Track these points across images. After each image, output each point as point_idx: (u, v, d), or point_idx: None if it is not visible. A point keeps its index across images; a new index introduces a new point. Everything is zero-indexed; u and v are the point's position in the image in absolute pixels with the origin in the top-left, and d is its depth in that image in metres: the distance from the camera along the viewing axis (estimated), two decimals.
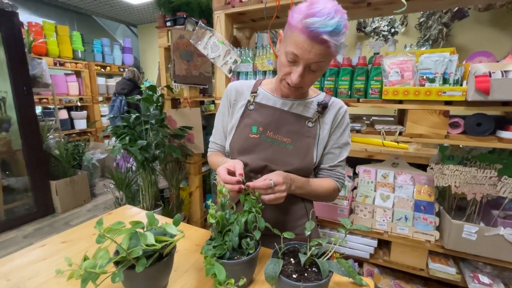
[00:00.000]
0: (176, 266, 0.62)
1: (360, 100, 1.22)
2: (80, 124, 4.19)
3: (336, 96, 1.28)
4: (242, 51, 1.52)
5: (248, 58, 1.50)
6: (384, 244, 1.40)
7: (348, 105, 1.24)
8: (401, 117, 1.37)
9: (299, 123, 0.76)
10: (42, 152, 2.82)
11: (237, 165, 0.65)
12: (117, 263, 0.48)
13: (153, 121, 2.19)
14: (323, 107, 0.76)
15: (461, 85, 1.06)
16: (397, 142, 1.65)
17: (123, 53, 4.84)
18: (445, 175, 1.14)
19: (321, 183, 0.76)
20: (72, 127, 4.17)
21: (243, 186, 0.60)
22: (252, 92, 0.81)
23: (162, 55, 2.41)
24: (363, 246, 1.34)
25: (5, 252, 2.26)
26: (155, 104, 2.18)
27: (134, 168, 2.29)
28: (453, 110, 1.08)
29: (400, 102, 1.15)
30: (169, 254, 0.52)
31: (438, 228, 1.22)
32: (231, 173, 0.64)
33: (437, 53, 1.07)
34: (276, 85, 0.79)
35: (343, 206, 1.41)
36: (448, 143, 1.15)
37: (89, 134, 4.36)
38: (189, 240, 0.74)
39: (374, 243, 1.32)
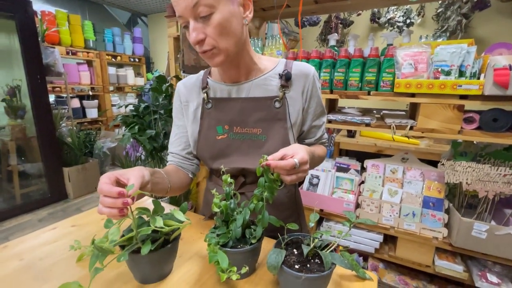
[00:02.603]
0: (181, 253, 0.63)
1: (371, 92, 1.19)
2: (92, 113, 4.27)
3: (346, 89, 1.25)
4: (252, 42, 1.50)
5: (257, 48, 1.47)
6: (390, 240, 1.38)
7: (358, 98, 1.21)
8: (412, 112, 1.33)
9: (264, 106, 0.68)
10: (55, 140, 2.89)
11: (133, 174, 0.49)
12: (123, 247, 0.49)
13: (162, 111, 2.21)
14: (286, 78, 0.67)
15: (478, 78, 1.01)
16: (408, 137, 1.62)
17: (134, 43, 4.86)
18: (456, 171, 1.11)
19: (318, 153, 0.72)
20: (84, 115, 4.26)
21: (128, 203, 0.44)
22: (202, 88, 0.73)
23: (172, 45, 2.40)
24: (368, 241, 1.34)
25: (21, 234, 2.36)
26: (164, 94, 2.20)
27: (143, 157, 2.33)
28: (468, 104, 1.04)
29: (413, 95, 1.12)
30: (174, 240, 0.53)
31: (446, 225, 1.20)
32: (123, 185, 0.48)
33: (454, 44, 1.02)
34: (219, 69, 0.71)
35: (349, 200, 1.40)
36: (462, 139, 1.12)
37: (100, 123, 4.44)
38: (194, 228, 0.75)
39: (380, 238, 1.31)
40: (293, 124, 0.71)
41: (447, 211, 1.22)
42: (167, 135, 2.20)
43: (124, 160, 2.30)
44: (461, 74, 1.03)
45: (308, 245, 0.51)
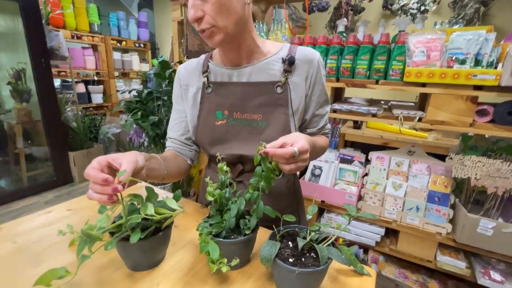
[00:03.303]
0: (175, 241, 0.62)
1: (380, 81, 1.14)
2: (97, 98, 4.28)
3: (353, 77, 1.20)
4: (256, 26, 1.44)
5: (262, 33, 1.42)
6: (391, 233, 1.36)
7: (365, 87, 1.16)
8: (422, 103, 1.28)
9: (266, 92, 0.66)
10: (60, 124, 2.91)
11: (126, 159, 0.47)
12: (112, 234, 0.48)
13: (165, 98, 2.19)
14: (289, 63, 0.64)
15: (496, 68, 0.95)
16: (416, 129, 1.56)
17: (139, 28, 4.79)
18: (465, 166, 1.07)
19: (320, 143, 0.69)
20: (89, 101, 4.27)
21: (118, 190, 0.42)
22: (203, 72, 0.71)
23: (176, 29, 2.35)
24: (369, 234, 1.32)
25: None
26: (167, 80, 2.16)
27: (146, 143, 2.33)
28: (483, 96, 0.99)
29: (423, 85, 1.06)
30: (166, 228, 0.52)
31: (451, 221, 1.17)
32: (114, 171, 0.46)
33: (472, 31, 0.96)
34: (220, 52, 0.69)
35: (352, 192, 1.37)
36: (473, 132, 1.06)
37: (105, 108, 4.45)
38: (191, 216, 0.74)
39: (382, 231, 1.29)
40: (295, 111, 0.68)
41: (453, 207, 1.18)
42: None
43: (128, 146, 2.30)
44: (477, 63, 0.96)
45: (305, 238, 0.49)
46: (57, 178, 2.96)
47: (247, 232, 0.51)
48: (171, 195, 0.58)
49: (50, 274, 0.40)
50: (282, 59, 0.65)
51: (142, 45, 4.85)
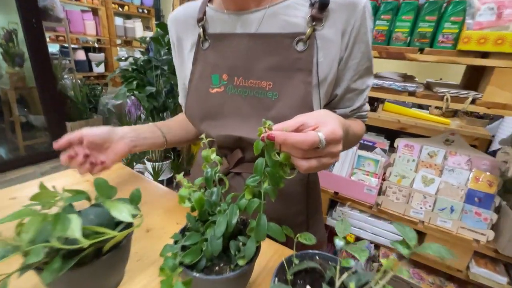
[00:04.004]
0: (142, 253, 0.45)
1: (424, 50, 0.89)
2: (98, 67, 4.06)
3: (388, 44, 0.95)
4: None
5: None
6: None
7: (403, 58, 0.92)
8: (470, 83, 1.03)
9: (281, 48, 0.46)
10: (56, 92, 2.74)
11: (93, 133, 0.51)
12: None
13: (165, 67, 1.96)
14: (321, 6, 0.44)
15: None
16: (443, 114, 1.31)
17: None
18: None
19: (354, 129, 0.51)
20: (90, 69, 4.06)
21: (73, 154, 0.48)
22: (198, 21, 0.52)
23: None
24: (389, 234, 1.14)
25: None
26: (167, 47, 1.92)
27: (143, 116, 2.15)
28: None
29: (484, 55, 0.81)
30: (114, 249, 0.33)
31: (493, 227, 0.97)
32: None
33: None
34: None
35: (371, 184, 1.17)
36: None
37: (107, 78, 4.24)
38: (170, 214, 0.56)
39: None
40: (322, 80, 0.47)
41: (497, 210, 0.98)
42: (171, 94, 1.98)
43: (124, 120, 2.12)
44: None
45: (332, 284, 0.30)
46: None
47: (241, 262, 0.32)
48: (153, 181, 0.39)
49: None
50: (311, 2, 0.45)
51: (145, 11, 4.51)
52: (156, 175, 2.02)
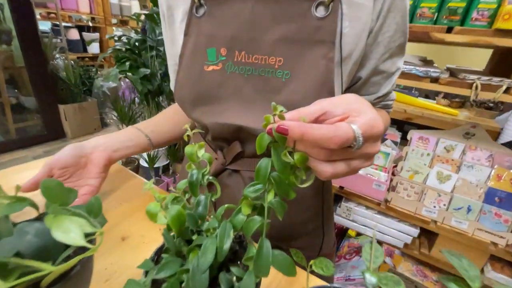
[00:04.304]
0: (113, 271, 0.36)
1: (454, 29, 0.77)
2: (93, 47, 3.89)
3: (411, 21, 0.83)
4: None
5: None
6: (424, 234, 1.10)
7: (428, 38, 0.80)
8: (498, 68, 0.91)
9: (295, 14, 0.36)
10: (47, 72, 2.60)
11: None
12: None
13: (161, 48, 1.83)
14: None
15: None
16: (450, 105, 1.20)
17: None
18: None
19: (385, 124, 0.43)
20: (85, 50, 3.88)
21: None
22: None
23: None
24: (398, 233, 1.06)
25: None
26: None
27: (137, 100, 2.03)
28: None
29: None
30: (60, 282, 0.24)
31: None
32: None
33: None
34: None
35: (380, 179, 1.08)
36: None
37: (102, 60, 4.08)
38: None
39: (415, 232, 1.03)
40: (346, 57, 0.37)
41: None
42: (167, 77, 1.86)
43: (118, 103, 2.00)
44: None
45: None
46: (48, 132, 2.74)
47: None
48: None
49: None
50: None
51: None
52: (151, 162, 1.93)
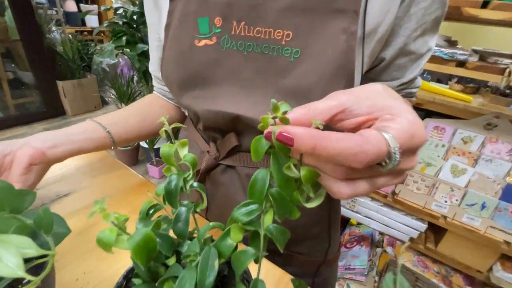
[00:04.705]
0: (84, 282, 0.31)
1: (491, 3, 0.66)
2: (92, 20, 3.72)
3: None
4: None
5: None
6: (431, 228, 1.05)
7: (459, 16, 0.69)
8: None
9: None
10: (43, 47, 2.50)
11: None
12: None
13: None
14: None
15: None
16: (463, 90, 1.09)
17: None
18: None
19: None
20: (83, 23, 3.72)
21: None
22: None
23: None
24: (404, 227, 1.01)
25: None
26: None
27: (136, 78, 1.94)
28: None
29: None
30: None
31: None
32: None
33: None
34: None
35: None
36: None
37: (102, 34, 3.92)
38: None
39: (423, 226, 0.98)
40: (370, 32, 0.30)
41: None
42: None
43: (116, 81, 1.91)
44: None
45: None
46: (47, 109, 2.69)
47: None
48: None
49: None
50: None
51: None
52: (151, 143, 1.89)
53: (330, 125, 0.18)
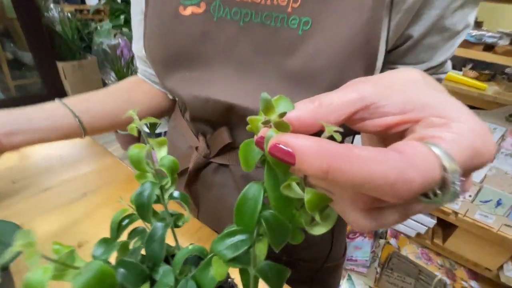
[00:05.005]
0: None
1: None
2: None
3: None
4: None
5: None
6: (440, 224, 1.01)
7: None
8: None
9: None
10: (41, 26, 2.42)
11: None
12: None
13: None
14: None
15: None
16: (478, 77, 1.00)
17: None
18: None
19: None
20: (83, 1, 3.58)
21: None
22: None
23: None
24: (412, 222, 0.97)
25: None
26: None
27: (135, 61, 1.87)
28: None
29: None
30: None
31: None
32: None
33: None
34: None
35: None
36: None
37: (102, 13, 3.78)
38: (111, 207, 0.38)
39: (431, 222, 0.94)
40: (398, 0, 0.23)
41: None
42: None
43: (115, 62, 1.85)
44: None
45: None
46: (48, 91, 2.65)
47: None
48: None
49: None
50: None
51: None
52: (152, 128, 1.84)
53: (347, 125, 0.13)
